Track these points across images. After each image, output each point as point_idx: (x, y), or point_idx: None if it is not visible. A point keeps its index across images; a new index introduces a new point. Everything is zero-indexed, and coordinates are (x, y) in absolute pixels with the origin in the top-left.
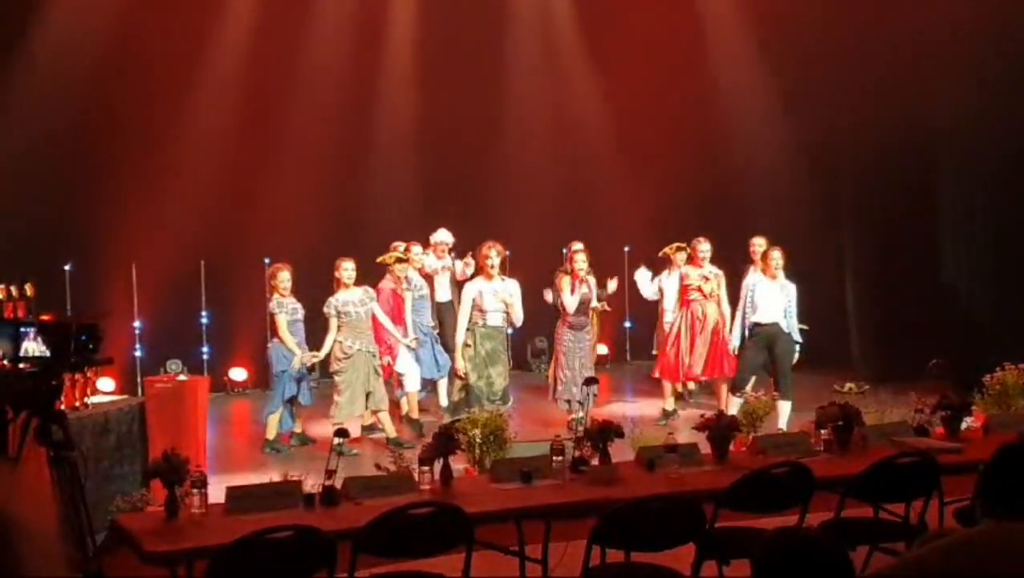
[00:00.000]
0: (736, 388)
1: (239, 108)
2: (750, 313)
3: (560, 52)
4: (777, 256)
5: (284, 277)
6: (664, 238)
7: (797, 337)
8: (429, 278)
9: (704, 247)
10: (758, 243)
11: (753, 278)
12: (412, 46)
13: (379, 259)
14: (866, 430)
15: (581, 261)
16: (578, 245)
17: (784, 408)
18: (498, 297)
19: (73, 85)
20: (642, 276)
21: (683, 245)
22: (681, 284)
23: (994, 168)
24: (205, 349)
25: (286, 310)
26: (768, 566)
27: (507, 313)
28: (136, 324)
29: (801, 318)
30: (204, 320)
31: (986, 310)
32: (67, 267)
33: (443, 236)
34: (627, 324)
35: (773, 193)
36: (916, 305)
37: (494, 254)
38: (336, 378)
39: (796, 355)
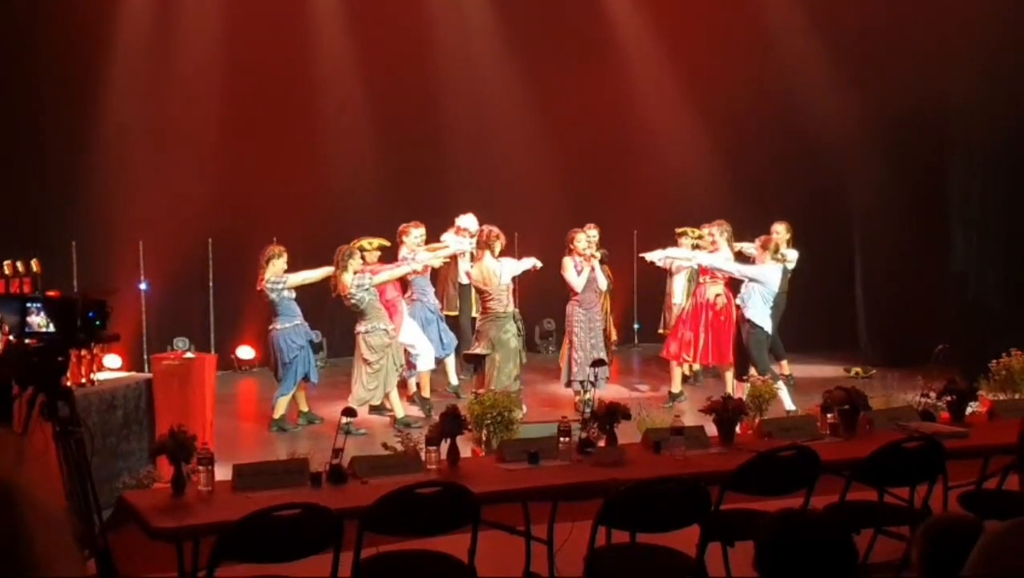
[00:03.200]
0: (740, 374)
1: (250, 86)
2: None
3: (566, 41)
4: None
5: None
6: (673, 222)
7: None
8: (454, 260)
9: (716, 231)
10: (778, 230)
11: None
12: (421, 34)
13: (358, 244)
14: (872, 414)
15: (582, 242)
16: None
17: (783, 391)
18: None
19: (82, 61)
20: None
21: (687, 230)
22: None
23: (1004, 153)
24: (212, 327)
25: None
26: (772, 548)
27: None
28: (143, 301)
29: (808, 304)
30: (211, 298)
31: (995, 296)
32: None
33: (469, 221)
34: (635, 325)
35: (780, 178)
36: (924, 290)
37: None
38: (376, 364)
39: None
